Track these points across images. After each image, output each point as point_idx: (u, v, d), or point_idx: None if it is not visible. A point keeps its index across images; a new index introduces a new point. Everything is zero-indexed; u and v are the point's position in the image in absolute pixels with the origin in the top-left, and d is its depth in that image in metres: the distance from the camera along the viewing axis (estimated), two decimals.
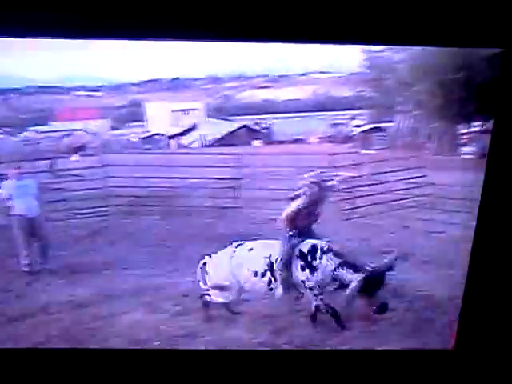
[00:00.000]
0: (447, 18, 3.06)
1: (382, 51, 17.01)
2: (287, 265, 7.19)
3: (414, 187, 12.30)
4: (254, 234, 10.55)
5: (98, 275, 9.02)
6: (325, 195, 7.43)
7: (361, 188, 12.13)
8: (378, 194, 12.14)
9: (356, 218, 11.55)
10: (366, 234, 10.78)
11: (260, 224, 11.40)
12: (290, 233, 7.25)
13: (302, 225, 7.33)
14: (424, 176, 12.24)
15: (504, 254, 3.61)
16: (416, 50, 15.37)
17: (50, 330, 7.26)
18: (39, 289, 8.70)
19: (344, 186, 11.99)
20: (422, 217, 11.34)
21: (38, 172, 11.82)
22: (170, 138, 17.82)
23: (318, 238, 7.33)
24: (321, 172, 7.49)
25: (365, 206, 11.84)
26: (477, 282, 3.59)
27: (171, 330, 7.18)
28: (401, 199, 12.08)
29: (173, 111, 18.00)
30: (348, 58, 17.39)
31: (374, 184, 12.29)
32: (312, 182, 7.24)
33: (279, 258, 7.24)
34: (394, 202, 11.98)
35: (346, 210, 11.76)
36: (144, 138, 17.66)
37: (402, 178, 12.44)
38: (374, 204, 11.90)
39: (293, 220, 7.26)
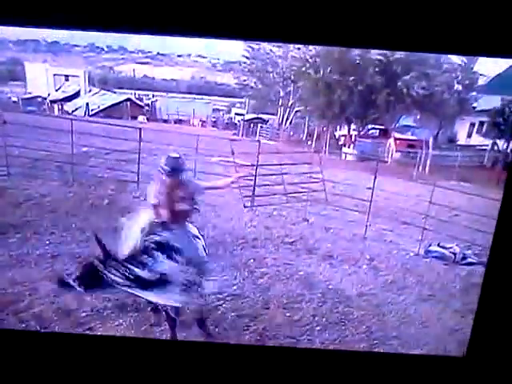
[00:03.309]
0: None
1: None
2: None
3: (305, 182, 12.68)
4: None
5: (8, 237, 8.68)
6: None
7: (259, 177, 12.28)
8: (273, 184, 12.42)
9: (256, 206, 11.77)
10: (268, 223, 11.06)
11: None
12: None
13: None
14: (318, 172, 12.69)
15: None
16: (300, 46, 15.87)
17: None
18: None
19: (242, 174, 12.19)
20: (318, 211, 11.79)
21: None
22: (53, 102, 17.26)
23: None
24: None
25: (264, 195, 12.05)
26: (492, 288, 3.74)
27: (95, 303, 7.08)
28: (296, 192, 12.41)
29: (54, 75, 17.44)
30: (228, 45, 17.60)
31: (269, 174, 12.54)
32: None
33: None
34: (290, 195, 12.30)
35: (246, 197, 11.91)
36: (26, 99, 16.98)
37: (294, 171, 12.81)
38: (273, 194, 12.16)
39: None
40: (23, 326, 6.44)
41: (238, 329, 6.95)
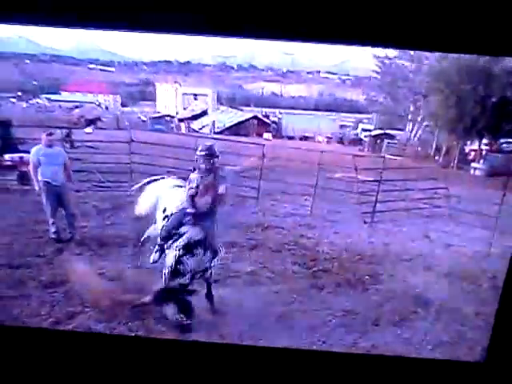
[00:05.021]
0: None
1: (394, 57, 17.13)
2: None
3: (429, 197, 12.33)
4: (274, 227, 10.66)
5: (126, 251, 8.91)
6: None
7: (380, 193, 12.06)
8: (395, 200, 12.13)
9: (375, 222, 11.56)
10: (386, 239, 10.84)
11: (281, 217, 11.44)
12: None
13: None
14: (444, 188, 12.32)
15: None
16: (431, 60, 15.55)
17: (84, 301, 7.23)
18: (69, 258, 8.58)
19: (362, 190, 12.04)
20: (440, 228, 11.41)
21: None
22: (180, 120, 17.72)
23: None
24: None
25: (384, 211, 11.81)
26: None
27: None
28: (418, 208, 12.09)
29: (183, 94, 17.92)
30: (359, 61, 17.48)
31: (391, 190, 12.28)
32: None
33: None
34: (412, 211, 12.00)
35: (366, 213, 11.72)
36: (154, 118, 17.54)
37: (419, 187, 12.49)
38: (393, 210, 11.89)
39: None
40: (132, 334, 6.60)
41: (344, 346, 6.82)
